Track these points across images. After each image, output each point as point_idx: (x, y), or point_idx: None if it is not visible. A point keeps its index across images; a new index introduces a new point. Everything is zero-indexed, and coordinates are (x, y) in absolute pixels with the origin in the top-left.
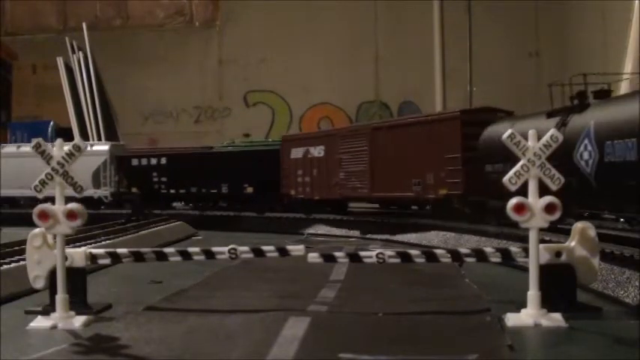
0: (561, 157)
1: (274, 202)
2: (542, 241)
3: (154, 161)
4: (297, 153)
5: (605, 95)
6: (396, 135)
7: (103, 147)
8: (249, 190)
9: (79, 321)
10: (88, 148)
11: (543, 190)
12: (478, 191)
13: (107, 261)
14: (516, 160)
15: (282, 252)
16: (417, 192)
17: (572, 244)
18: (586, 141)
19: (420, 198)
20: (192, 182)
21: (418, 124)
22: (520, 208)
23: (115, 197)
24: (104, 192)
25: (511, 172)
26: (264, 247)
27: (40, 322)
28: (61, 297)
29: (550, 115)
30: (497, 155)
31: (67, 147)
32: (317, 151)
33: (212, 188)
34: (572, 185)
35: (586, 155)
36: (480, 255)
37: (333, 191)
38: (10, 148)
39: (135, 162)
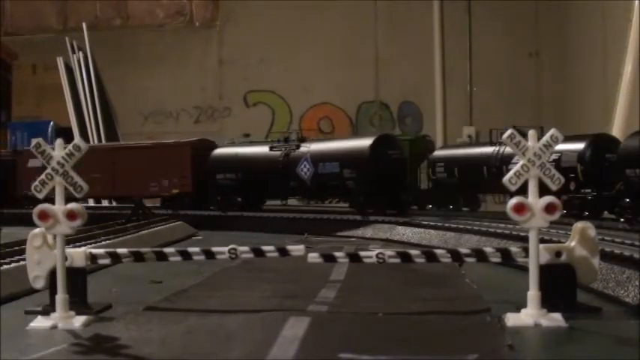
0: (288, 169)
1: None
2: (542, 240)
3: None
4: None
5: None
6: (140, 153)
7: None
8: None
9: (79, 321)
10: None
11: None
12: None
13: (107, 261)
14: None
15: (282, 252)
16: (153, 191)
17: (572, 244)
18: (305, 162)
19: (155, 194)
20: None
21: (159, 147)
22: (520, 208)
23: None
24: None
25: (511, 172)
26: (264, 247)
27: (40, 322)
28: (61, 297)
29: (272, 148)
30: (225, 167)
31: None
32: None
33: None
34: (294, 185)
35: (305, 169)
36: (480, 255)
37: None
38: None
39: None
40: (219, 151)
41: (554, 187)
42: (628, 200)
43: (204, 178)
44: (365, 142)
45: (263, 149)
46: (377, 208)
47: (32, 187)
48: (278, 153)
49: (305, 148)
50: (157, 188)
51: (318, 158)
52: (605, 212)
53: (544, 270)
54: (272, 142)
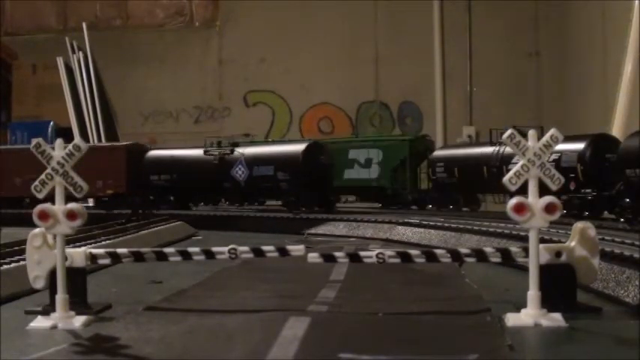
0: (222, 172)
1: None
2: (542, 240)
3: None
4: None
5: None
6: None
7: None
8: None
9: (79, 321)
10: None
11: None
12: (138, 191)
13: (107, 261)
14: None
15: (282, 252)
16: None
17: (572, 244)
18: (240, 165)
19: (90, 195)
20: None
21: (95, 149)
22: (520, 208)
23: None
24: None
25: (511, 172)
26: (264, 247)
27: (40, 322)
28: (61, 297)
29: (206, 152)
30: (162, 169)
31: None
32: None
33: None
34: (228, 186)
35: (240, 172)
36: (480, 255)
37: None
38: None
39: None
40: (154, 153)
41: (554, 187)
42: (628, 200)
43: (138, 180)
44: (298, 148)
45: (198, 152)
46: (307, 206)
47: (32, 187)
48: (212, 157)
49: (239, 152)
50: (92, 189)
51: (252, 161)
52: (605, 212)
53: (544, 270)
54: (205, 147)
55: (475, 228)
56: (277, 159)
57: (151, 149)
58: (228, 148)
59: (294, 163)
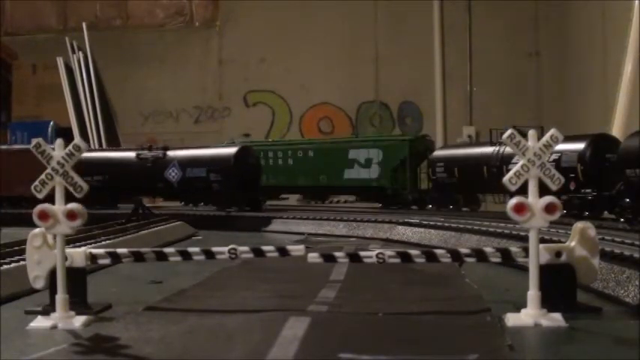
0: (155, 173)
1: None
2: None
3: None
4: None
5: None
6: (12, 156)
7: None
8: None
9: (79, 321)
10: None
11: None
12: None
13: (107, 261)
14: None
15: (282, 252)
16: (18, 191)
17: (572, 244)
18: (174, 167)
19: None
20: None
21: (29, 151)
22: (520, 208)
23: None
24: None
25: (511, 172)
26: (265, 247)
27: (40, 322)
28: (61, 297)
29: (138, 155)
30: (93, 170)
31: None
32: None
33: None
34: (161, 187)
35: (173, 173)
36: (480, 255)
37: None
38: None
39: None
40: (86, 155)
41: (554, 187)
42: (628, 200)
43: None
44: (230, 151)
45: (131, 154)
46: (238, 206)
47: (32, 187)
48: (145, 159)
49: (171, 155)
50: (22, 189)
51: (186, 164)
52: (605, 212)
53: (544, 270)
54: (137, 150)
55: (475, 228)
56: (210, 162)
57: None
58: (160, 152)
59: (226, 166)
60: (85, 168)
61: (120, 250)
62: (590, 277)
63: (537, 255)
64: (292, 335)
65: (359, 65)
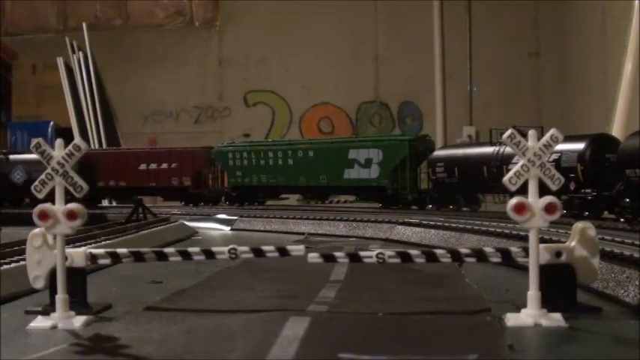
0: (2, 176)
1: None
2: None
3: None
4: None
5: None
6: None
7: None
8: None
9: (79, 321)
10: None
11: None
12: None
13: (107, 261)
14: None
15: (282, 252)
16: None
17: (572, 244)
18: (18, 170)
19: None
20: None
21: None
22: (520, 208)
23: None
24: None
25: (511, 172)
26: (264, 247)
27: (40, 322)
28: (61, 297)
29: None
30: None
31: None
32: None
33: None
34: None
35: (18, 176)
36: (480, 255)
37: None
38: None
39: None
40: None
41: (554, 187)
42: (628, 200)
43: None
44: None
45: None
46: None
47: (32, 187)
48: None
49: (14, 159)
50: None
51: (33, 167)
52: (605, 212)
53: (544, 270)
54: None
55: (475, 228)
56: None
57: None
58: (3, 157)
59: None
60: None
61: (120, 250)
62: (590, 277)
63: (537, 255)
64: (292, 335)
65: (359, 65)
